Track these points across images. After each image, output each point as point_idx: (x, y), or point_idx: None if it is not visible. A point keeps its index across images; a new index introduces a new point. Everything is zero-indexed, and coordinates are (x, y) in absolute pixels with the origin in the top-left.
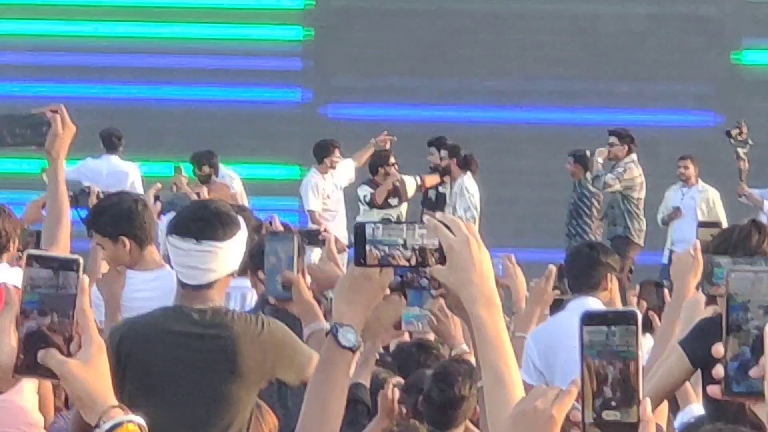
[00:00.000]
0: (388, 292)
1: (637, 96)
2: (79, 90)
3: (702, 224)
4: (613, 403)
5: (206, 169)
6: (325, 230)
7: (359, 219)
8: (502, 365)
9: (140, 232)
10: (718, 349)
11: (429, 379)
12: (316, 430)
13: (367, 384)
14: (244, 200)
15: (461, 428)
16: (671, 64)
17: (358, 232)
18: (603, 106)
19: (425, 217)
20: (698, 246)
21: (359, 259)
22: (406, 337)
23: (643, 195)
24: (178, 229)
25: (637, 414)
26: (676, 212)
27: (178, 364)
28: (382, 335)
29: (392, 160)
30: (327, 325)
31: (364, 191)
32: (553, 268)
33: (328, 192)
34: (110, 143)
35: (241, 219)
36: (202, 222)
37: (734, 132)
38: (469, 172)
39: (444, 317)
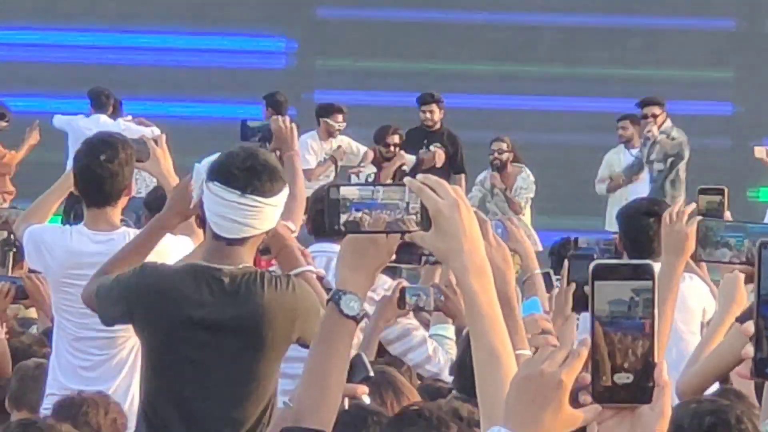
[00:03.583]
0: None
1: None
2: None
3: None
4: (627, 366)
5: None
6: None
7: None
8: (497, 342)
9: None
10: (747, 327)
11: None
12: (316, 405)
13: None
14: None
15: None
16: None
17: (332, 198)
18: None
19: (406, 179)
20: (688, 212)
21: (333, 226)
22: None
23: None
24: (221, 176)
25: (652, 377)
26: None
27: (200, 345)
28: (385, 313)
29: (396, 139)
30: (312, 267)
31: (368, 170)
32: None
33: (320, 158)
34: (99, 102)
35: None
36: (250, 173)
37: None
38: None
39: (452, 293)
